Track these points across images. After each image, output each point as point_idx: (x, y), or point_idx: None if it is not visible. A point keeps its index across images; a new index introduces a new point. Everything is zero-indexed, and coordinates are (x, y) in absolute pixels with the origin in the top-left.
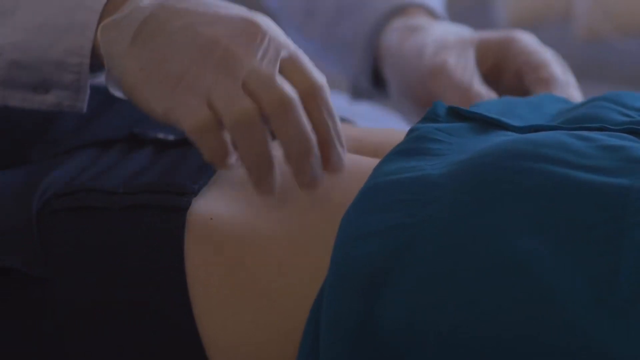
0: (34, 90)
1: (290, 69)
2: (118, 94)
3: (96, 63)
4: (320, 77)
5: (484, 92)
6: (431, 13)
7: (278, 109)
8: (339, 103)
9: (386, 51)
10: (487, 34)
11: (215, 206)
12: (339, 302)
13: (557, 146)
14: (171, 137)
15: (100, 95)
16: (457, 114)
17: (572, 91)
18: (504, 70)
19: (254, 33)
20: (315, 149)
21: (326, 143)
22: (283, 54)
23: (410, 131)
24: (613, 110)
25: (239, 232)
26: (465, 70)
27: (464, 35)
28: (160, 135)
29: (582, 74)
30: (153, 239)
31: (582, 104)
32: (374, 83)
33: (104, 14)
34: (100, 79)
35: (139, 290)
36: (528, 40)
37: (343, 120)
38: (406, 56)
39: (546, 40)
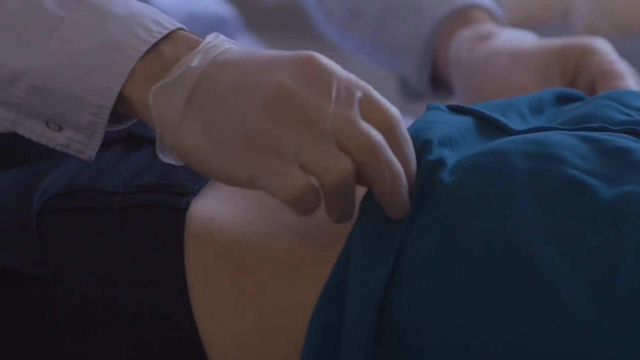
0: (47, 124)
1: (367, 108)
2: (171, 161)
3: (122, 115)
4: (394, 110)
5: None
6: (492, 15)
7: (370, 155)
8: None
9: (454, 60)
10: (565, 42)
11: (215, 206)
12: (360, 296)
13: (560, 146)
14: None
15: None
16: (458, 110)
17: None
18: (578, 82)
19: (321, 76)
20: (405, 181)
21: (411, 173)
22: (358, 94)
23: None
24: (614, 109)
25: (239, 232)
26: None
27: (543, 45)
28: None
29: None
30: (153, 239)
31: (585, 102)
32: (429, 85)
33: (145, 62)
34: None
35: (139, 290)
36: (605, 49)
37: None
38: (477, 68)
39: None
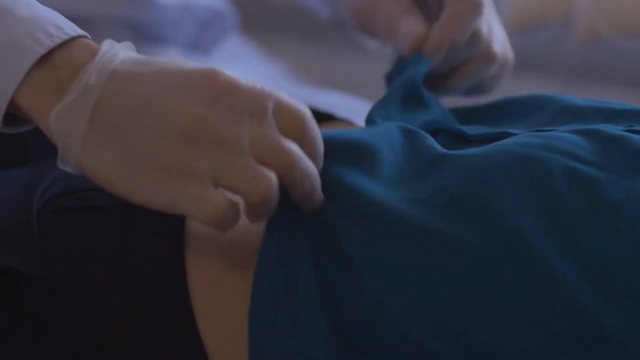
0: None
1: (279, 116)
2: (71, 171)
3: (16, 117)
4: (303, 109)
5: (413, 21)
6: None
7: (291, 169)
8: (336, 101)
9: None
10: None
11: None
12: None
13: (562, 139)
14: None
15: None
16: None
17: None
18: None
19: (229, 93)
20: (318, 180)
21: (319, 168)
22: (269, 104)
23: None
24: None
25: (238, 232)
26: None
27: None
28: None
29: (582, 74)
30: (153, 238)
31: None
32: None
33: (42, 71)
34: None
35: (139, 290)
36: None
37: (343, 120)
38: None
39: (546, 41)
